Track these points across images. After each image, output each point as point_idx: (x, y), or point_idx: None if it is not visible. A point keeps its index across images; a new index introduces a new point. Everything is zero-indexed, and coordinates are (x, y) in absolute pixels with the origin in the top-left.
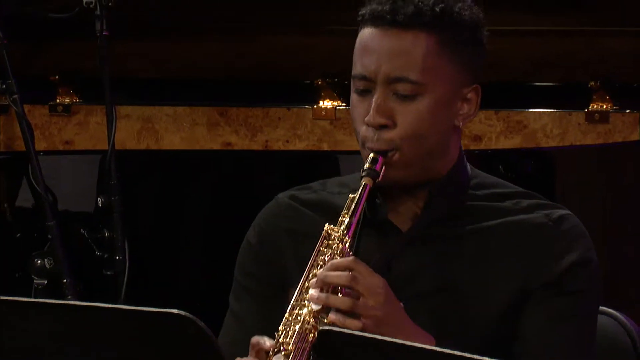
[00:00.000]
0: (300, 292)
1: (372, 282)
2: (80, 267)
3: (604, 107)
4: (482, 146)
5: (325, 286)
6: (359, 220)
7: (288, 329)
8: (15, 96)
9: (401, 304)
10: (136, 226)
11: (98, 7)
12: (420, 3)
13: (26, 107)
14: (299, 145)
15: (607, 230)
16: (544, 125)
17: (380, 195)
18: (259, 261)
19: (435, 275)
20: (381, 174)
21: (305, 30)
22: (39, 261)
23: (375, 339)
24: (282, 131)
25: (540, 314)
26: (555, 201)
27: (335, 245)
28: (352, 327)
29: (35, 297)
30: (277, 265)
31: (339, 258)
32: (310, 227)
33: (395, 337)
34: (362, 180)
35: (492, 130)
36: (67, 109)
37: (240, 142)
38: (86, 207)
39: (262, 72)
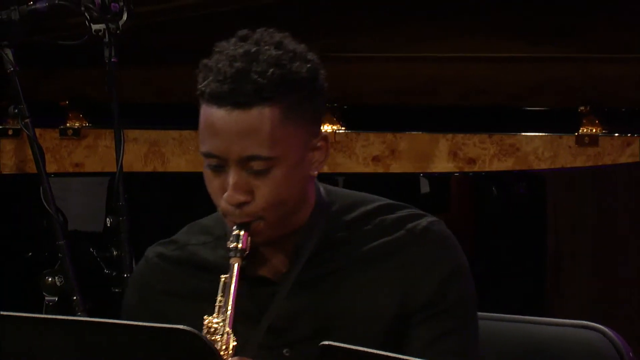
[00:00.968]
0: None
1: None
2: (89, 285)
3: (594, 130)
4: (476, 169)
5: None
6: (236, 305)
7: None
8: (27, 120)
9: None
10: (143, 245)
11: (107, 35)
12: (258, 78)
13: (37, 131)
14: None
15: (597, 249)
16: (535, 148)
17: (250, 253)
18: (143, 320)
19: (313, 318)
20: (247, 246)
21: None
22: (50, 279)
23: (374, 353)
24: None
25: (423, 333)
26: (546, 221)
27: (219, 339)
28: None
29: (46, 314)
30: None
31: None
32: (183, 287)
33: None
34: (231, 260)
35: (486, 153)
36: (77, 133)
37: None
38: (95, 227)
39: None
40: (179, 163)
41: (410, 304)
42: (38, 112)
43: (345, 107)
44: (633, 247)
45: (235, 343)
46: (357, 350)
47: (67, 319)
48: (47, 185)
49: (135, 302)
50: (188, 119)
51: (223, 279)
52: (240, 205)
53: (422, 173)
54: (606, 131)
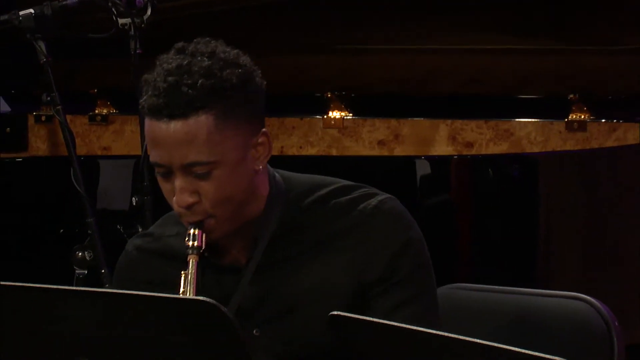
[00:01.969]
0: None
1: None
2: (116, 259)
3: (582, 117)
4: (473, 152)
5: None
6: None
7: None
8: (59, 107)
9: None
10: None
11: (132, 28)
12: (190, 90)
13: (68, 117)
14: (311, 151)
15: (584, 225)
16: (528, 133)
17: (210, 244)
18: None
19: (277, 299)
20: (204, 243)
21: (316, 50)
22: (80, 254)
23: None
24: (295, 138)
25: (381, 304)
26: (538, 201)
27: None
28: None
29: (76, 286)
30: None
31: None
32: (162, 276)
33: None
34: (189, 257)
35: (483, 138)
36: (105, 119)
37: None
38: (121, 205)
39: (278, 87)
40: None
41: (366, 279)
42: (69, 100)
43: (353, 95)
44: (616, 223)
45: None
46: (363, 319)
47: (96, 291)
48: (77, 167)
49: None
50: None
51: (183, 274)
52: (189, 206)
53: (423, 156)
54: (593, 117)
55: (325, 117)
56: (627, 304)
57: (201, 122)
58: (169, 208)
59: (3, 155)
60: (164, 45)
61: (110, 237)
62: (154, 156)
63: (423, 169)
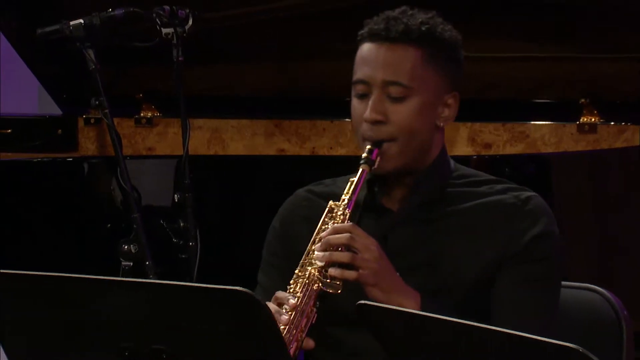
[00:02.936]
0: (308, 253)
1: (367, 241)
2: (159, 252)
3: (593, 120)
4: (491, 152)
5: (329, 247)
6: (357, 197)
7: (298, 280)
8: (107, 111)
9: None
10: (206, 218)
11: (175, 38)
12: (409, 22)
13: (115, 120)
14: (341, 152)
15: (595, 221)
16: (542, 135)
17: (376, 183)
18: (281, 242)
19: (421, 250)
20: (377, 162)
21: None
22: (126, 247)
23: (405, 312)
24: (326, 140)
25: (509, 279)
26: (552, 198)
27: (337, 215)
28: (349, 277)
29: (122, 277)
30: (295, 244)
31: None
32: (320, 213)
33: (388, 286)
34: (360, 167)
35: (500, 139)
36: (150, 122)
37: (292, 148)
38: (165, 202)
39: (310, 91)
40: (236, 147)
41: (505, 252)
42: (116, 104)
43: None
44: (624, 219)
45: (350, 223)
46: (390, 309)
47: (141, 282)
48: (124, 166)
49: (278, 225)
50: (245, 109)
51: (350, 180)
52: (375, 123)
53: None
54: (603, 120)
55: None
56: (635, 295)
57: (410, 53)
58: (209, 204)
59: (55, 155)
60: (204, 53)
61: (153, 231)
62: (359, 74)
63: None
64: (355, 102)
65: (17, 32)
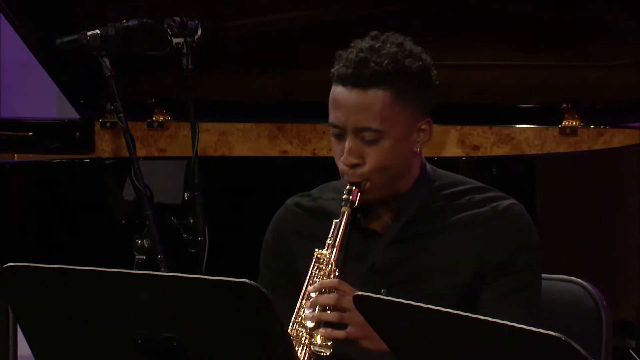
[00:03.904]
0: (299, 309)
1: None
2: (170, 246)
3: (574, 123)
4: (479, 154)
5: (317, 306)
6: (341, 243)
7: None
8: (121, 115)
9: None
10: (214, 215)
11: (185, 47)
12: (376, 67)
13: (129, 123)
14: None
15: (576, 217)
16: (527, 137)
17: (362, 208)
18: (275, 256)
19: (408, 266)
20: (357, 200)
21: None
22: (139, 241)
23: (400, 302)
24: (326, 142)
25: (493, 291)
26: (536, 196)
27: (324, 267)
28: (339, 336)
29: (136, 270)
30: (288, 257)
31: (327, 279)
32: (310, 230)
33: (376, 335)
34: (342, 208)
35: (487, 142)
36: (161, 125)
37: (294, 150)
38: (175, 200)
39: (311, 96)
40: (242, 149)
41: (486, 265)
42: (130, 109)
43: None
44: (605, 215)
45: (337, 273)
46: (385, 299)
47: (154, 274)
48: (137, 166)
49: (271, 238)
50: (250, 113)
51: (334, 223)
52: (353, 166)
53: (436, 157)
54: (584, 124)
55: None
56: (614, 286)
57: (379, 96)
58: (217, 202)
59: (73, 156)
60: (212, 62)
61: (165, 227)
62: (332, 117)
63: None
64: (333, 141)
65: (38, 42)
